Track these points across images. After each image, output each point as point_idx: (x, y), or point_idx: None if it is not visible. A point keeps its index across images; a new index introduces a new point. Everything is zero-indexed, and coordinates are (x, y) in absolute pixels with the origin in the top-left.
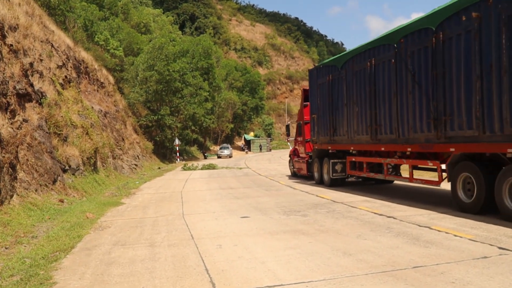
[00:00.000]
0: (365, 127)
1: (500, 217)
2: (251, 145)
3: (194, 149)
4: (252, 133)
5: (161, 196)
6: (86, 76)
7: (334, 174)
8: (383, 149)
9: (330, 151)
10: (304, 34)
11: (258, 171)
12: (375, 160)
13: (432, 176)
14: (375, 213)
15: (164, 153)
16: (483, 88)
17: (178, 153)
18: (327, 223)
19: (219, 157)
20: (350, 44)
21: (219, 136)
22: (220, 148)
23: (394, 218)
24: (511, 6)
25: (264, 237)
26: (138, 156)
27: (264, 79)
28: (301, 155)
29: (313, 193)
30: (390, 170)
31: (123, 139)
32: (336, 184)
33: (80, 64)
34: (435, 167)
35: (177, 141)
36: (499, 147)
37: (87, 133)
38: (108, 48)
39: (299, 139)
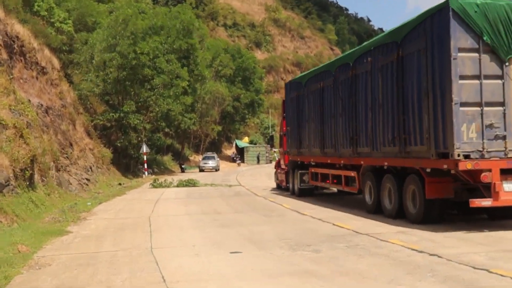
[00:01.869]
0: (318, 142)
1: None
2: (245, 155)
3: (167, 159)
4: (246, 139)
5: (122, 223)
6: (21, 58)
7: (302, 184)
8: (329, 161)
9: (298, 162)
10: (317, 6)
11: (254, 190)
12: (324, 171)
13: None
14: (412, 249)
15: (127, 164)
16: (373, 117)
17: (146, 165)
18: (348, 262)
19: (201, 170)
20: (379, 21)
21: (201, 142)
22: (203, 159)
23: (438, 256)
24: (384, 58)
25: (261, 282)
26: (91, 168)
27: (263, 66)
28: (282, 166)
29: (328, 220)
30: (336, 180)
31: (71, 145)
32: (305, 194)
33: (13, 41)
34: (355, 176)
35: (145, 148)
36: (380, 161)
37: (21, 136)
38: (52, 20)
39: (281, 150)
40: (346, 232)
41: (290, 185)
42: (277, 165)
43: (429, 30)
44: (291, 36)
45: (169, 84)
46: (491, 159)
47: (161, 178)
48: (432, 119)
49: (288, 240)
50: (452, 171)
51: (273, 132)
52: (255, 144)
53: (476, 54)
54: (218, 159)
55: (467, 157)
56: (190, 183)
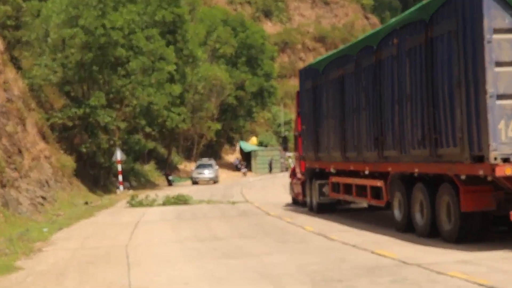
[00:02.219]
0: (338, 143)
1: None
2: (253, 161)
3: (149, 168)
4: (254, 140)
5: (90, 255)
6: None
7: (321, 198)
8: (351, 168)
9: (317, 169)
10: None
11: (266, 208)
12: (347, 181)
13: None
14: (480, 284)
15: (96, 176)
16: (400, 111)
17: (121, 176)
18: None
19: (195, 182)
20: None
21: (194, 146)
22: (197, 167)
23: None
24: (411, 40)
25: None
26: (47, 182)
27: (274, 42)
28: (298, 175)
29: (364, 246)
30: (361, 192)
31: (20, 152)
32: (325, 209)
33: None
34: (381, 186)
35: (119, 155)
36: (409, 166)
37: None
38: None
39: (297, 155)
40: (390, 263)
41: (308, 199)
42: (292, 174)
43: (460, 8)
44: (312, 2)
45: (150, 69)
46: None
47: (141, 194)
48: (465, 115)
49: (313, 274)
50: (489, 178)
51: (286, 132)
52: (266, 146)
53: None
54: (216, 167)
55: (506, 160)
56: (180, 200)
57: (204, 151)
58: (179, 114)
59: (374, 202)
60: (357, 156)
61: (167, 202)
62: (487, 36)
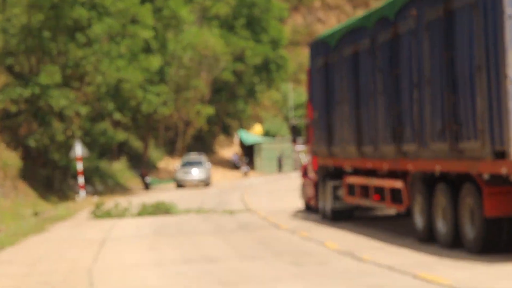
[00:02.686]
0: (352, 135)
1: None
2: (258, 157)
3: (120, 167)
4: (258, 128)
5: (42, 283)
6: None
7: (336, 203)
8: (368, 165)
9: (330, 168)
10: None
11: (275, 219)
12: (364, 182)
13: None
14: None
15: (49, 177)
16: (420, 98)
17: (81, 178)
18: None
19: (180, 185)
20: None
21: (179, 137)
22: (183, 165)
23: None
24: (431, 12)
25: None
26: None
27: None
28: (310, 174)
29: (404, 269)
30: (379, 194)
31: None
32: (340, 217)
33: None
34: (400, 188)
35: (79, 150)
36: (430, 164)
37: None
38: None
39: (308, 149)
40: None
41: (320, 204)
42: (304, 173)
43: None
44: None
45: (120, 35)
46: None
47: (109, 202)
48: (487, 103)
49: None
50: (511, 178)
51: (296, 119)
52: (274, 137)
53: None
54: (209, 165)
55: None
56: (161, 210)
57: (192, 144)
58: (158, 95)
59: (394, 207)
60: (374, 151)
61: (144, 212)
62: (508, 10)
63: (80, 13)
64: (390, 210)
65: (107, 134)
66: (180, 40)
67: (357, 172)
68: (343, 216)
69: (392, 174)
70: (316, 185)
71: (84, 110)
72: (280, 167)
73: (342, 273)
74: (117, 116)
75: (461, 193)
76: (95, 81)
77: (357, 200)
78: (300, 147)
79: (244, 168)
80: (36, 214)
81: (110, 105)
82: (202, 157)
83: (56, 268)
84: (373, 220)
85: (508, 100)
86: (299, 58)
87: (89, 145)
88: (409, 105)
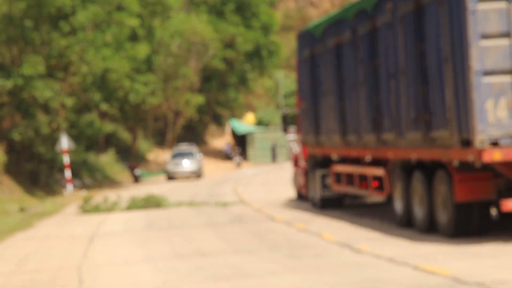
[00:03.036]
0: (337, 125)
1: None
2: (250, 147)
3: (108, 159)
4: (250, 117)
5: (29, 280)
6: None
7: (324, 191)
8: (352, 154)
9: (318, 157)
10: None
11: (269, 210)
12: (349, 170)
13: None
14: None
15: (35, 172)
16: (396, 88)
17: (68, 172)
18: None
19: (171, 177)
20: None
21: (169, 127)
22: (174, 156)
23: None
24: (404, 5)
25: None
26: None
27: None
28: (300, 163)
29: (403, 260)
30: (362, 182)
31: None
32: (330, 205)
33: None
34: (381, 175)
35: (65, 143)
36: (406, 152)
37: None
38: None
39: (298, 138)
40: (440, 282)
41: (310, 192)
42: (295, 162)
43: None
44: None
45: (105, 23)
46: None
47: (98, 196)
48: (453, 94)
49: None
50: (477, 164)
51: (285, 110)
52: (267, 125)
53: (504, 4)
54: (200, 156)
55: (495, 144)
56: (151, 203)
57: (182, 134)
58: (146, 85)
59: (375, 194)
60: (357, 140)
61: (133, 206)
62: (470, 5)
63: (63, 0)
64: (378, 197)
65: (94, 126)
66: (167, 27)
67: (343, 160)
68: (331, 204)
69: (375, 162)
70: (306, 174)
71: (69, 102)
72: (274, 157)
73: (339, 265)
74: (104, 107)
75: (434, 179)
76: (81, 71)
77: (344, 188)
78: (292, 136)
79: (237, 158)
80: (22, 210)
81: (97, 96)
82: (193, 148)
83: (44, 265)
84: (364, 208)
85: (472, 91)
86: (291, 43)
87: (75, 137)
88: (387, 96)
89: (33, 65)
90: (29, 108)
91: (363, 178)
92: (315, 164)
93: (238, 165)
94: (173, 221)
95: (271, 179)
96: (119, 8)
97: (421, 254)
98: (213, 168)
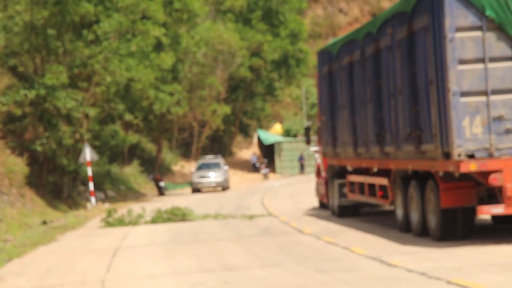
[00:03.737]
0: (350, 138)
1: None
2: (277, 158)
3: (132, 171)
4: (277, 127)
5: None
6: None
7: (341, 199)
8: (363, 165)
9: (336, 167)
10: None
11: (297, 223)
12: (361, 179)
13: None
14: None
15: (57, 184)
16: (395, 106)
17: (92, 184)
18: None
19: (196, 189)
20: None
21: (194, 138)
22: (199, 168)
23: None
24: (401, 31)
25: None
26: None
27: None
28: (322, 173)
29: (437, 275)
30: (372, 191)
31: None
32: (347, 213)
33: None
34: (386, 185)
35: (89, 154)
36: (404, 163)
37: None
38: None
39: (320, 150)
40: None
41: (330, 201)
42: (317, 172)
43: (431, 3)
44: None
45: (130, 32)
46: (502, 157)
47: (122, 208)
48: (437, 112)
49: None
50: (456, 174)
51: (309, 123)
52: (296, 136)
53: (479, 33)
54: (226, 167)
55: (471, 156)
56: (177, 216)
57: (208, 145)
58: (171, 94)
59: (382, 202)
60: (366, 152)
61: (158, 218)
62: (449, 34)
63: (87, 8)
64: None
65: (118, 137)
66: (193, 35)
67: (356, 171)
68: (348, 212)
69: (381, 173)
70: (326, 184)
71: (92, 112)
72: (302, 168)
73: (369, 280)
74: (128, 117)
75: (426, 188)
76: (104, 81)
77: (357, 197)
78: (316, 148)
79: (264, 170)
80: (44, 223)
81: (120, 106)
82: (219, 159)
83: (66, 280)
84: (379, 214)
85: (450, 110)
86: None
87: (98, 148)
88: (388, 113)
89: (56, 74)
90: (52, 119)
91: (371, 187)
92: (333, 174)
93: (265, 176)
94: (199, 234)
95: (298, 190)
96: (144, 17)
97: (454, 267)
98: (240, 179)
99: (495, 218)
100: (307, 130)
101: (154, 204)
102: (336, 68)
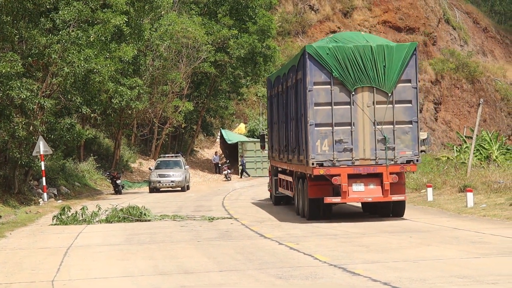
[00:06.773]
0: (277, 146)
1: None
2: (242, 158)
3: (88, 167)
4: (242, 127)
5: None
6: None
7: (277, 192)
8: (284, 167)
9: (274, 167)
10: None
11: (259, 227)
12: (283, 177)
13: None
14: None
15: (8, 178)
16: (289, 128)
17: (44, 179)
18: None
19: (154, 189)
20: None
21: (154, 135)
22: (159, 167)
23: None
24: (288, 81)
25: None
26: None
27: None
28: (270, 172)
29: (402, 285)
30: (288, 186)
31: None
32: (280, 202)
33: None
34: (291, 181)
35: (42, 147)
36: (294, 167)
37: None
38: None
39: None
40: None
41: (271, 193)
42: (269, 171)
43: (302, 65)
44: None
45: (89, 21)
46: (341, 166)
47: (75, 206)
48: (303, 135)
49: None
50: (312, 176)
51: (265, 131)
52: (260, 137)
53: (328, 86)
54: (186, 167)
55: (321, 165)
56: (133, 215)
57: (168, 143)
58: (131, 88)
59: (291, 194)
60: (283, 157)
61: (114, 217)
62: (309, 87)
63: None
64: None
65: (74, 131)
66: (156, 27)
67: (283, 171)
68: (282, 201)
69: (291, 173)
70: (271, 180)
71: (48, 103)
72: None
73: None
74: (85, 110)
75: (304, 184)
76: (61, 71)
77: (283, 190)
78: (266, 151)
79: (225, 170)
80: None
81: (77, 99)
82: (180, 158)
83: (14, 279)
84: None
85: (309, 134)
86: (289, 50)
87: (53, 142)
88: (289, 132)
89: (10, 63)
90: (4, 109)
91: (288, 183)
92: (274, 173)
93: (227, 177)
94: (155, 235)
95: (263, 193)
96: (105, 5)
97: (417, 278)
98: (201, 180)
99: (364, 206)
100: (262, 137)
101: (110, 202)
102: (273, 94)
